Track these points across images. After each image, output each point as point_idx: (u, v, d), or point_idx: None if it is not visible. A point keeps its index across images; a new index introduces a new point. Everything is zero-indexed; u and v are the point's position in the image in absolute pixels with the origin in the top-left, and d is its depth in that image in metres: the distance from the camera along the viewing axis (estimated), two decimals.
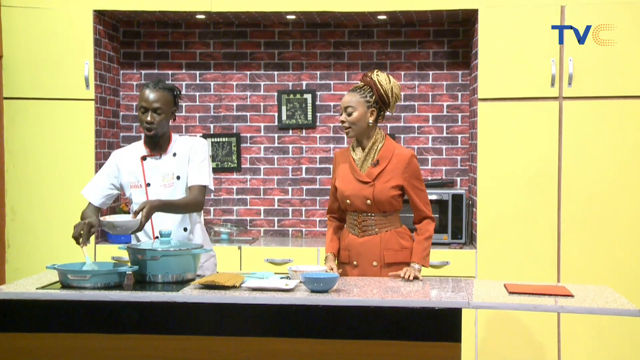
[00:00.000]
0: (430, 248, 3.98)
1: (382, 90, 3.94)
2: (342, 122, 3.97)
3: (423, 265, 3.91)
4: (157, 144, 4.04)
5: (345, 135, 5.91)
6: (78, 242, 3.70)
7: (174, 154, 4.05)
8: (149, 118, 3.94)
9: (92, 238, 3.94)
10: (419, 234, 3.99)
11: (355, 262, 4.00)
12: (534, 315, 5.02)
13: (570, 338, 5.18)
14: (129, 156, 4.08)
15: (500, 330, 5.24)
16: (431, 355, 3.30)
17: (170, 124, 4.05)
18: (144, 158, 4.04)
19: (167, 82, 4.12)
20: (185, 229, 4.04)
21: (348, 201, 3.99)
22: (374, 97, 3.95)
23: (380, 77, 3.96)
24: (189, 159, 4.03)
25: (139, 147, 4.09)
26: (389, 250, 3.95)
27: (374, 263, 3.96)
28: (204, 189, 4.01)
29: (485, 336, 5.24)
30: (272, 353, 3.36)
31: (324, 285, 3.43)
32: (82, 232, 3.69)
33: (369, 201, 3.94)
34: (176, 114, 4.20)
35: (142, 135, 4.09)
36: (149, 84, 4.00)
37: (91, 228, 3.73)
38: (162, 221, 3.98)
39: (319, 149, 5.96)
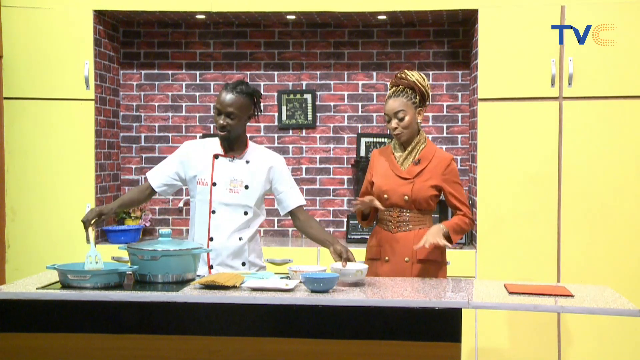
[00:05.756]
0: (459, 235, 4.01)
1: (423, 88, 4.03)
2: (394, 128, 4.00)
3: (449, 236, 3.94)
4: (232, 147, 4.03)
5: (344, 136, 5.92)
6: (85, 227, 3.79)
7: (247, 162, 4.03)
8: (221, 121, 3.95)
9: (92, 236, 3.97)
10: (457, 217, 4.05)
11: (387, 258, 4.04)
12: (534, 315, 5.02)
13: (570, 338, 5.18)
14: (203, 150, 4.05)
15: (500, 330, 5.24)
16: (431, 355, 3.30)
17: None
18: (216, 156, 4.04)
19: (248, 84, 4.04)
20: (240, 239, 4.02)
21: (385, 196, 4.03)
22: (417, 97, 4.01)
23: (416, 76, 4.04)
24: (271, 180, 4.05)
25: (214, 144, 4.06)
26: (422, 247, 3.98)
27: (406, 259, 4.00)
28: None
29: (485, 336, 5.24)
30: (272, 353, 3.36)
31: (324, 285, 3.43)
32: (90, 219, 3.79)
33: (406, 197, 3.99)
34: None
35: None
36: (227, 85, 3.98)
37: (101, 215, 3.81)
38: (219, 226, 3.99)
39: (319, 149, 5.96)
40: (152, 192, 4.09)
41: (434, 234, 3.90)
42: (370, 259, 4.11)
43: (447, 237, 3.97)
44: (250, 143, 4.09)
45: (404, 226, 4.03)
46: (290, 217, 4.18)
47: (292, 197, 4.09)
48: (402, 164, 4.06)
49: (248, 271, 4.01)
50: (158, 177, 4.08)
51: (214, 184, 3.99)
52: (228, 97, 3.93)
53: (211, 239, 3.98)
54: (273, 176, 4.06)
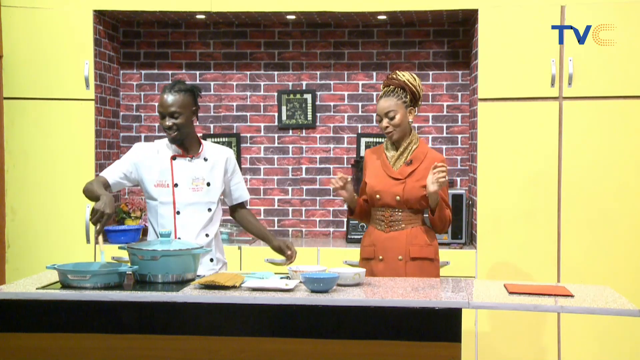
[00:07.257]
0: (437, 217, 4.07)
1: (413, 88, 4.08)
2: (385, 127, 4.07)
3: (432, 202, 4.02)
4: (186, 146, 4.04)
5: (344, 136, 5.92)
6: (98, 233, 3.70)
7: (205, 159, 4.07)
8: (167, 123, 3.95)
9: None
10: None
11: (380, 257, 4.09)
12: (534, 315, 5.02)
13: (570, 338, 5.18)
14: (156, 153, 4.06)
15: (500, 330, 5.24)
16: (431, 355, 3.30)
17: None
18: (174, 158, 4.04)
19: (185, 82, 4.08)
20: (207, 235, 4.06)
21: (377, 196, 4.09)
22: (408, 97, 4.07)
23: (406, 76, 4.10)
24: (227, 171, 4.12)
25: (167, 146, 4.06)
26: (414, 245, 4.06)
27: (400, 257, 4.05)
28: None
29: (485, 336, 5.24)
30: (272, 353, 3.36)
31: (324, 285, 3.43)
32: (99, 222, 3.66)
33: (398, 197, 4.04)
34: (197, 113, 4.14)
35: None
36: (165, 88, 3.99)
37: (108, 219, 3.71)
38: (187, 225, 4.01)
39: (319, 149, 5.96)
40: (107, 187, 4.03)
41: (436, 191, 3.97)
42: (365, 259, 4.17)
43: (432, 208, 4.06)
44: (202, 140, 4.12)
45: (396, 225, 4.08)
46: (234, 209, 4.28)
47: (243, 189, 4.24)
48: (394, 164, 4.11)
49: (217, 267, 4.08)
50: (111, 171, 4.04)
51: (175, 185, 4.02)
52: (169, 98, 3.95)
53: (178, 239, 3.99)
54: (228, 167, 4.13)
